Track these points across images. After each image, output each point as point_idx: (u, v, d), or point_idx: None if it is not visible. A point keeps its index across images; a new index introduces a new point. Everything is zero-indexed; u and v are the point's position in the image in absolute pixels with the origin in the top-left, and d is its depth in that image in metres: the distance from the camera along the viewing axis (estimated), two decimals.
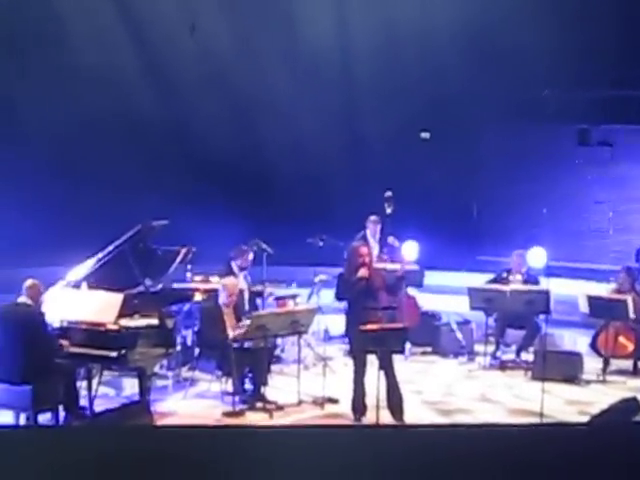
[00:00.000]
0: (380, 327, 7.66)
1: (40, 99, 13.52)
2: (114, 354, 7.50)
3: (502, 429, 4.89)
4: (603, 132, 14.09)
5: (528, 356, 10.03)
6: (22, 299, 7.41)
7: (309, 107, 14.55)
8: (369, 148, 14.95)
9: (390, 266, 9.52)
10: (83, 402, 7.75)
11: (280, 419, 8.18)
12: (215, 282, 9.62)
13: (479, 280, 10.69)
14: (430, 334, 10.71)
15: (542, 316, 9.46)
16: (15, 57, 13.74)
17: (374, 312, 7.84)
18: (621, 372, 9.80)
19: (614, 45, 13.50)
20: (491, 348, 10.22)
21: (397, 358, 8.09)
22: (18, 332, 7.22)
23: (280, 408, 8.42)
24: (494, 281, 10.34)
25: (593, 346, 9.98)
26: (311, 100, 14.52)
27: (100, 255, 8.07)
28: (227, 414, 8.22)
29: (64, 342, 7.53)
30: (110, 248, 8.05)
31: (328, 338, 10.61)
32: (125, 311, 7.72)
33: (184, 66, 14.57)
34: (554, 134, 14.23)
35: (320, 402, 8.55)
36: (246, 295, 9.68)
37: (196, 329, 9.29)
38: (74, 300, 7.80)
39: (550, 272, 9.41)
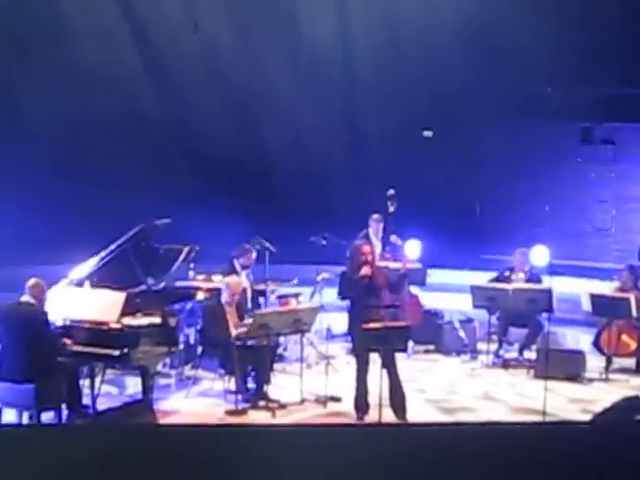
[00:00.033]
0: (383, 325, 7.65)
1: (43, 98, 13.51)
2: (117, 353, 7.50)
3: (505, 427, 4.89)
4: (606, 130, 14.06)
5: (531, 354, 10.02)
6: (25, 298, 7.41)
7: (311, 105, 14.53)
8: (371, 146, 14.93)
9: (393, 264, 9.54)
10: (86, 401, 7.76)
11: (283, 417, 8.18)
12: (218, 281, 9.61)
13: (482, 278, 10.65)
14: (433, 332, 10.70)
15: (545, 314, 9.42)
16: (18, 56, 13.74)
17: (377, 310, 7.84)
18: (624, 370, 9.79)
19: (617, 43, 13.49)
20: (494, 346, 10.20)
21: (400, 356, 8.08)
22: (21, 331, 7.23)
23: (283, 406, 8.42)
24: (497, 279, 10.33)
25: (596, 344, 9.97)
26: (313, 98, 14.50)
27: (103, 254, 8.09)
28: (230, 412, 8.22)
29: (67, 341, 7.55)
30: (113, 247, 8.06)
31: (331, 336, 10.63)
32: (128, 310, 7.72)
33: (186, 65, 14.54)
34: (557, 132, 14.20)
35: (323, 400, 8.54)
36: (249, 293, 9.70)
37: (199, 328, 9.28)
38: (77, 299, 7.82)
39: (553, 270, 9.39)
